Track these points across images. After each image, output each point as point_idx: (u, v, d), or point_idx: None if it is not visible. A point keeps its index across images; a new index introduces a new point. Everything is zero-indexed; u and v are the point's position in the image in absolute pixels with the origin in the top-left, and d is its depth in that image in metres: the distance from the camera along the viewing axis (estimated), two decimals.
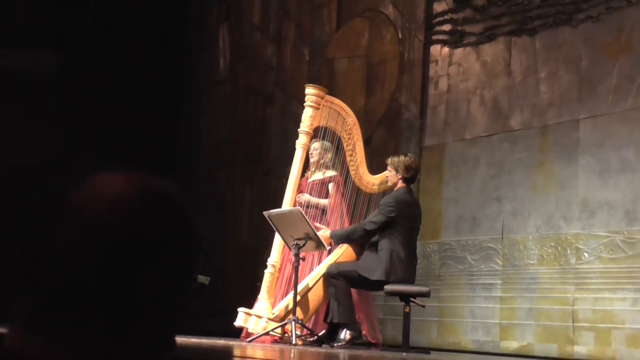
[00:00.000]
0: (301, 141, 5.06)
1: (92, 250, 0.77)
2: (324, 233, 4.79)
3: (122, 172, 0.83)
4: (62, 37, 8.28)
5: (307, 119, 5.06)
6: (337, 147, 5.17)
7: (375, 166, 5.16)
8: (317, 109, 5.07)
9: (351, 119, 5.16)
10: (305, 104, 5.11)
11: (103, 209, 0.78)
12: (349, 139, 5.13)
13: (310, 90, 5.12)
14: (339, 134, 5.14)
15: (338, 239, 4.88)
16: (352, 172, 5.09)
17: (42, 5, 8.34)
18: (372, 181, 5.06)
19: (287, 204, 4.94)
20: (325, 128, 5.12)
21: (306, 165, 5.14)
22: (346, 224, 5.02)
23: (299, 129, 5.09)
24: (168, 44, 8.82)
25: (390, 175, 4.87)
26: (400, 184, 4.85)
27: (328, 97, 5.15)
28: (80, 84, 8.02)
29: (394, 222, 4.72)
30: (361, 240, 4.91)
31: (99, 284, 0.76)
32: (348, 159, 5.12)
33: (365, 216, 5.05)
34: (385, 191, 5.04)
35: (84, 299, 0.76)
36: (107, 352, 0.77)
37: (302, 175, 5.15)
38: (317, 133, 5.13)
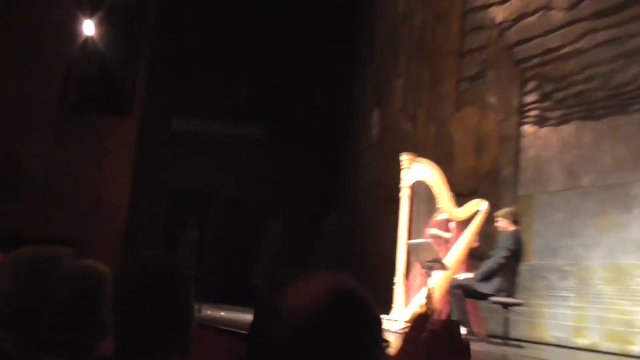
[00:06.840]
0: (404, 193, 5.69)
1: (300, 342, 0.87)
2: (467, 276, 5.31)
3: (314, 279, 0.92)
4: (267, 111, 8.91)
5: (404, 177, 5.67)
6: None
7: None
8: (409, 169, 5.65)
9: (436, 170, 5.68)
10: (402, 167, 5.71)
11: (304, 312, 0.88)
12: (436, 185, 5.67)
13: (404, 157, 5.70)
14: (429, 183, 5.69)
15: (481, 276, 5.25)
16: (442, 207, 5.67)
17: (251, 83, 8.91)
18: (458, 212, 5.68)
19: (405, 238, 5.58)
20: (419, 181, 5.68)
21: (412, 209, 5.64)
22: (463, 250, 5.69)
23: (400, 184, 5.70)
24: (335, 123, 9.47)
25: (503, 224, 5.36)
26: (513, 226, 5.37)
27: (417, 158, 5.74)
28: (279, 149, 8.75)
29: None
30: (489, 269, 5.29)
31: None
32: (438, 198, 5.63)
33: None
34: (471, 217, 5.68)
35: None
36: None
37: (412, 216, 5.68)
38: (415, 185, 5.68)
